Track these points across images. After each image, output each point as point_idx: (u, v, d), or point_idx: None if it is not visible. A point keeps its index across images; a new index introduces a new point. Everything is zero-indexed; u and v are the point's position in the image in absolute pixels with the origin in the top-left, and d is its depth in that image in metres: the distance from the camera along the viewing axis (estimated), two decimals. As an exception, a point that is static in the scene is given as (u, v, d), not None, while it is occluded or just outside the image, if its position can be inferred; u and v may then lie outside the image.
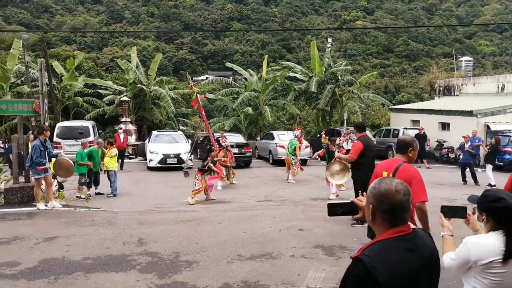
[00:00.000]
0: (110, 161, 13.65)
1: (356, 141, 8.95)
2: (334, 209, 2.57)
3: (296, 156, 16.09)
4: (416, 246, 2.20)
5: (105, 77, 32.91)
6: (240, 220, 10.04)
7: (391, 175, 4.73)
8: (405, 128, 24.43)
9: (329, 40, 32.31)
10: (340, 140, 14.60)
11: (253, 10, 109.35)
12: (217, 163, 13.91)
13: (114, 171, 13.63)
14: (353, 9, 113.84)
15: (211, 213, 10.98)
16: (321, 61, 28.93)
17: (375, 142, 16.85)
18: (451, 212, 3.25)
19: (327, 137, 14.18)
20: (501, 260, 2.77)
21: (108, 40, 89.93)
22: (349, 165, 9.97)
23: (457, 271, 2.96)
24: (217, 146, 15.31)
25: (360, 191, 8.57)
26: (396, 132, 24.10)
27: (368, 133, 24.34)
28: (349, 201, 2.55)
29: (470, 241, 2.90)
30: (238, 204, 12.36)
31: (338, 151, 12.05)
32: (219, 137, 16.72)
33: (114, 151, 13.86)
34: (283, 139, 20.91)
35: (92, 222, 9.89)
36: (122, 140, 19.91)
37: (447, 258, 3.03)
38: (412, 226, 2.31)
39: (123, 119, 24.79)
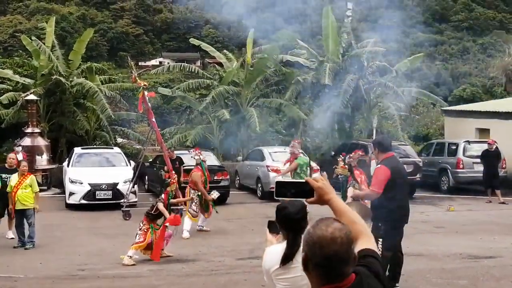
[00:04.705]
0: (29, 195, 12.39)
1: (379, 165, 7.61)
2: (283, 189, 2.59)
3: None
4: None
5: (2, 63, 28.49)
6: (210, 292, 9.35)
7: None
8: (467, 142, 21.16)
9: (349, 4, 28.75)
10: (350, 157, 12.32)
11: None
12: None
13: (33, 209, 12.94)
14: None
15: (165, 279, 9.79)
16: (339, 38, 24.99)
17: (421, 163, 18.39)
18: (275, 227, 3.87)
19: (346, 165, 12.43)
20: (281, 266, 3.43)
21: (7, 4, 76.37)
22: (369, 206, 8.39)
23: (268, 281, 3.62)
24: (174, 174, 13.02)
25: (380, 240, 7.32)
26: (454, 147, 21.05)
27: (409, 148, 20.23)
28: (303, 181, 2.60)
29: (266, 251, 3.56)
30: (207, 264, 10.95)
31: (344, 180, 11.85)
32: (196, 156, 14.16)
33: (33, 179, 12.65)
34: (278, 159, 18.87)
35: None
36: (21, 163, 19.03)
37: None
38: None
39: (29, 130, 21.35)
